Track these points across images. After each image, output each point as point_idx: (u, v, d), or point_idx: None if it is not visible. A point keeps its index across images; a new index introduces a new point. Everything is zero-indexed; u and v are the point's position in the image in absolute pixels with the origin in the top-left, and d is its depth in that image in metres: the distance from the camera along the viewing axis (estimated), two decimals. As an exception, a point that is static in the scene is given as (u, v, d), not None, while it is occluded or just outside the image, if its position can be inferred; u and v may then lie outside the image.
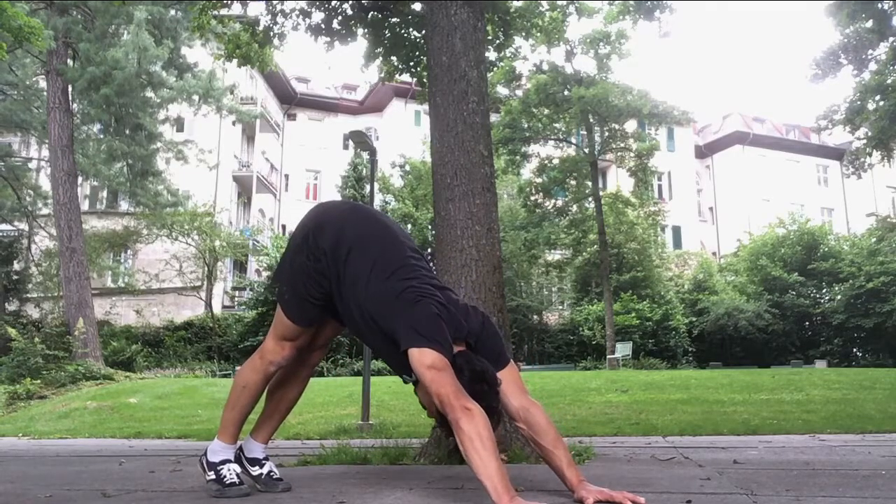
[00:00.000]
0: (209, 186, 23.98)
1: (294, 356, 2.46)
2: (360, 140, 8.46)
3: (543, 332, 24.13)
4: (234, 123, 23.92)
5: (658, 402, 8.25)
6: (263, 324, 19.98)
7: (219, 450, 2.42)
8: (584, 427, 5.83)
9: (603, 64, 20.60)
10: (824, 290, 25.67)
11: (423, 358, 1.97)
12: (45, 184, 19.54)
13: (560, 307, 26.58)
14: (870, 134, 14.04)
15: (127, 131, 16.54)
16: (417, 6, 6.36)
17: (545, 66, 20.18)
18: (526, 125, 21.27)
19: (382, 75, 7.58)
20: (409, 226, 23.47)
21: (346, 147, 30.20)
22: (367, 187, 23.87)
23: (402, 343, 2.02)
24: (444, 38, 3.90)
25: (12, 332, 13.38)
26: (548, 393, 9.09)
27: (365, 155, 21.59)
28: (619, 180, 25.77)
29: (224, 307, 24.54)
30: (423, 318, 2.04)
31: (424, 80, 6.17)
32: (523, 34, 8.34)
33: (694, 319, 24.18)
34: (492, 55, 7.64)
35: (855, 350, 24.81)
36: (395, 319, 2.07)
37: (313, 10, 6.75)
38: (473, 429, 1.87)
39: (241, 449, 2.52)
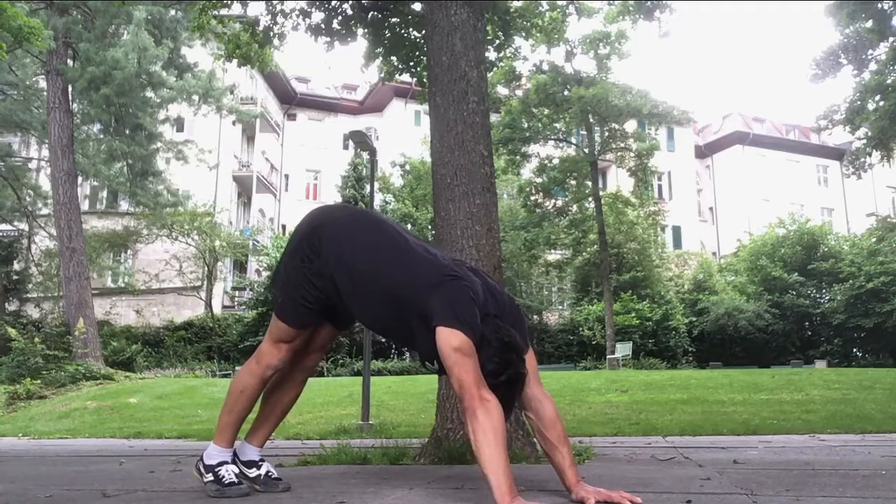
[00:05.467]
0: (209, 186, 23.96)
1: (290, 358, 2.46)
2: (360, 140, 8.47)
3: (543, 332, 24.13)
4: (234, 123, 23.94)
5: (658, 402, 8.26)
6: (263, 324, 19.98)
7: (215, 454, 2.41)
8: (584, 427, 5.83)
9: (603, 64, 20.60)
10: (824, 290, 25.64)
11: (452, 339, 1.95)
12: (45, 184, 19.53)
13: (560, 307, 26.58)
14: (870, 134, 14.04)
15: (127, 131, 16.54)
16: (417, 6, 6.36)
17: (545, 66, 20.18)
18: (526, 125, 21.26)
19: (382, 75, 7.59)
20: (409, 226, 23.47)
21: (346, 147, 30.20)
22: (367, 187, 23.87)
23: (434, 319, 2.00)
24: (444, 38, 3.89)
25: (12, 332, 13.39)
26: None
27: (365, 155, 21.59)
28: (619, 180, 25.76)
29: (224, 307, 24.54)
30: (459, 298, 2.03)
31: (424, 80, 6.17)
32: (523, 34, 8.36)
33: (694, 319, 24.17)
34: (492, 55, 7.64)
35: (855, 350, 24.80)
36: (429, 297, 2.05)
37: (313, 10, 6.76)
38: (489, 422, 1.87)
39: (234, 453, 2.50)
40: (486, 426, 1.86)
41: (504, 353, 1.99)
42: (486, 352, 1.98)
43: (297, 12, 6.86)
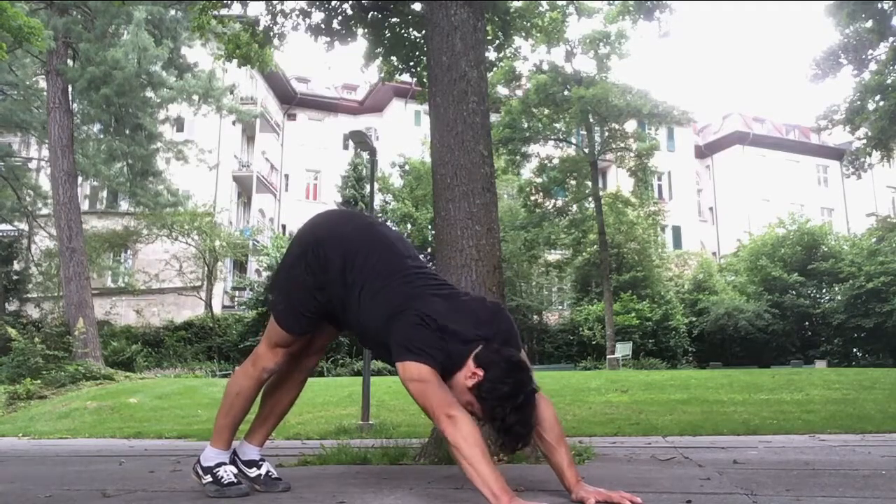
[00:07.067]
0: (209, 186, 23.96)
1: (287, 361, 2.45)
2: (360, 140, 8.46)
3: (543, 332, 24.12)
4: (234, 123, 23.94)
5: (658, 402, 8.25)
6: (263, 324, 19.86)
7: (212, 456, 2.41)
8: (584, 427, 5.82)
9: (603, 64, 20.61)
10: (824, 290, 25.66)
11: (406, 371, 1.98)
12: (45, 184, 19.53)
13: (560, 307, 26.58)
14: (870, 134, 14.02)
15: (127, 131, 16.53)
16: (417, 6, 6.36)
17: (545, 66, 20.18)
18: (526, 125, 21.27)
19: (382, 75, 7.59)
20: (409, 226, 23.47)
21: (346, 147, 30.20)
22: (367, 187, 23.86)
23: (392, 356, 2.04)
24: (444, 38, 3.89)
25: (12, 332, 13.39)
26: (548, 393, 8.88)
27: (365, 155, 21.59)
28: (619, 180, 25.77)
29: (224, 307, 24.53)
30: (406, 330, 2.03)
31: (424, 80, 6.17)
32: (523, 34, 8.35)
33: (694, 319, 24.18)
34: (492, 55, 7.64)
35: (855, 350, 24.80)
36: (387, 331, 2.08)
37: (313, 10, 6.75)
38: (458, 435, 1.87)
39: (235, 453, 2.49)
40: (457, 441, 1.87)
41: (514, 373, 1.98)
42: (495, 373, 1.97)
43: (297, 12, 6.85)
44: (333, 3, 6.60)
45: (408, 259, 2.28)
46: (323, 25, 6.67)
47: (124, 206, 23.01)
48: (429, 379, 1.96)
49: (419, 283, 2.20)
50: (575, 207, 22.62)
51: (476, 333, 2.06)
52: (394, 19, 6.72)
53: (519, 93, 21.11)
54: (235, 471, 2.42)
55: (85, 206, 22.44)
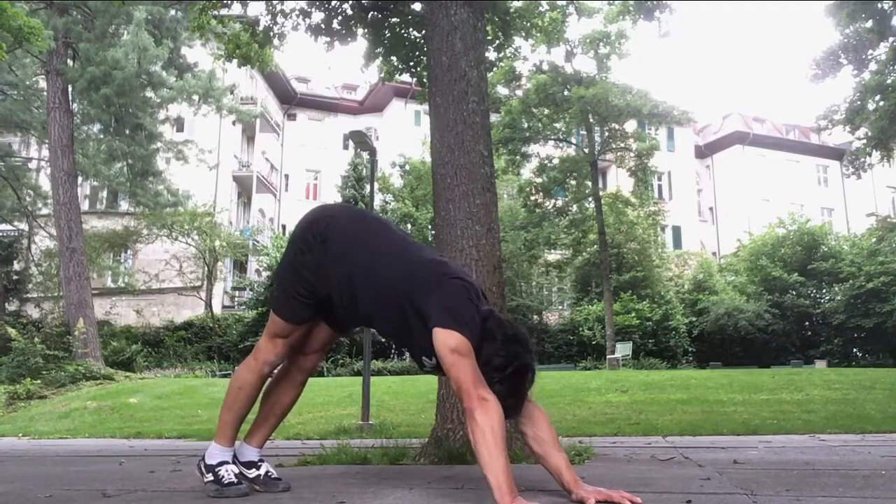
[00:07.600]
0: (209, 186, 23.97)
1: (287, 354, 2.47)
2: (360, 140, 8.45)
3: (543, 332, 24.11)
4: (234, 123, 23.95)
5: (658, 402, 8.25)
6: (263, 324, 19.68)
7: (216, 453, 2.42)
8: (584, 427, 5.82)
9: (603, 64, 20.61)
10: (824, 290, 25.65)
11: (449, 340, 1.97)
12: (45, 184, 19.53)
13: (560, 307, 26.58)
14: (870, 134, 14.02)
15: (127, 131, 16.53)
16: (417, 6, 6.36)
17: (545, 66, 20.19)
18: (526, 125, 21.27)
19: (382, 75, 7.59)
20: (409, 226, 23.47)
21: (346, 147, 30.21)
22: (367, 187, 23.85)
23: (431, 320, 2.02)
24: (444, 38, 3.89)
25: (12, 332, 13.39)
26: (548, 393, 9.08)
27: (365, 155, 21.58)
28: (619, 180, 25.77)
29: (224, 307, 24.54)
30: (456, 299, 2.05)
31: (424, 80, 6.17)
32: (523, 34, 8.35)
33: (694, 319, 24.18)
34: (492, 55, 7.64)
35: (855, 350, 24.80)
36: (427, 296, 2.07)
37: (313, 10, 6.76)
38: (487, 422, 1.87)
39: (234, 455, 2.49)
40: (485, 427, 1.86)
41: (509, 346, 2.01)
42: (492, 347, 2.00)
43: (297, 12, 6.86)
44: (333, 3, 6.60)
45: (408, 238, 2.38)
46: (323, 25, 6.68)
47: (124, 206, 23.01)
48: (467, 354, 1.97)
49: (441, 258, 2.29)
50: (575, 207, 22.63)
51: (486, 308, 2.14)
52: (394, 19, 6.72)
53: (519, 93, 21.11)
54: (237, 471, 2.42)
55: (85, 206, 22.45)
